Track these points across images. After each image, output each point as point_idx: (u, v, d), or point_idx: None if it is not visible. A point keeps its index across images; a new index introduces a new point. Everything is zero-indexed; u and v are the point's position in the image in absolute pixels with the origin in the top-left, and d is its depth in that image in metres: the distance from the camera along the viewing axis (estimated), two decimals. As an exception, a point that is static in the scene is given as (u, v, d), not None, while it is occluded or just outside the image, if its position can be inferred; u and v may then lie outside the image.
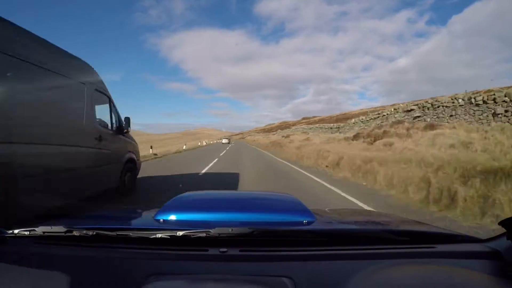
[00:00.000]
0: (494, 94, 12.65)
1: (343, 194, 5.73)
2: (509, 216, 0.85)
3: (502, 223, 0.84)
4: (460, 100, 14.02)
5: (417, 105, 17.06)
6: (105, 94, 4.66)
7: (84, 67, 4.10)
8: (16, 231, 0.99)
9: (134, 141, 5.76)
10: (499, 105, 12.29)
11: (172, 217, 1.11)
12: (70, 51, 3.75)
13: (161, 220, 1.09)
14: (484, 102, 13.01)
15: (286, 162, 12.67)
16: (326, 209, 1.64)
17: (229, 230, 0.90)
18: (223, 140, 55.56)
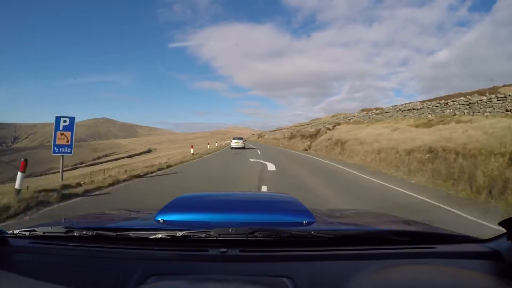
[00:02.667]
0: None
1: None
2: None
3: (502, 223, 0.84)
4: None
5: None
6: None
7: None
8: (16, 231, 0.99)
9: None
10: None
11: (172, 217, 1.11)
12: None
13: (161, 220, 1.09)
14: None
15: None
16: (326, 209, 1.63)
17: (229, 230, 0.90)
18: (233, 141, 25.28)
